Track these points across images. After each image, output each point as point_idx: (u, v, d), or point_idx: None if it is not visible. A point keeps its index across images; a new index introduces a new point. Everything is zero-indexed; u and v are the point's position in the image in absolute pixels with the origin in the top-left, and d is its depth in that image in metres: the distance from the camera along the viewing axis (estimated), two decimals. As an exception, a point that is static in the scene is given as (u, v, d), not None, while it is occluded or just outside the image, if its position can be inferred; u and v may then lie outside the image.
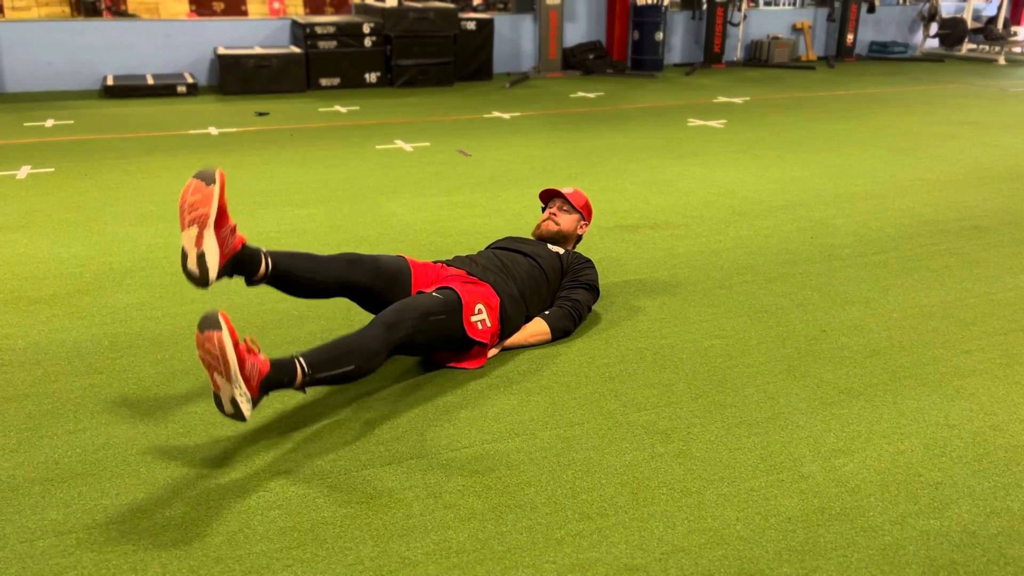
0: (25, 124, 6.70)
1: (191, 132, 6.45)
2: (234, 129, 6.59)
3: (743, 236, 3.95)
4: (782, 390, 2.49)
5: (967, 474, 2.07)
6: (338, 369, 2.22)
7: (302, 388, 2.18)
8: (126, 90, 8.12)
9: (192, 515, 1.90)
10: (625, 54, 10.82)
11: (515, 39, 10.41)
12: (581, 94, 8.68)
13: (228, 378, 1.97)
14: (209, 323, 1.97)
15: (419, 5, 9.01)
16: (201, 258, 2.16)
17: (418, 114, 7.39)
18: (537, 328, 2.77)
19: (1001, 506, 1.95)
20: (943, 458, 2.14)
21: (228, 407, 2.01)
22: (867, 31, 12.59)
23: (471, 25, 9.37)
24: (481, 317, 2.56)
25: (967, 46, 12.71)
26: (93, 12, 10.25)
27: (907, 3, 12.99)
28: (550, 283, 2.88)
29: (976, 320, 3.00)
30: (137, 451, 2.15)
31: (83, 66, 8.63)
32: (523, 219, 4.19)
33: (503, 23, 10.26)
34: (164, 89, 8.24)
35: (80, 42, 8.59)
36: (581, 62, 10.37)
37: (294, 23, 9.08)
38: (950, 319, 3.00)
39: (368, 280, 2.56)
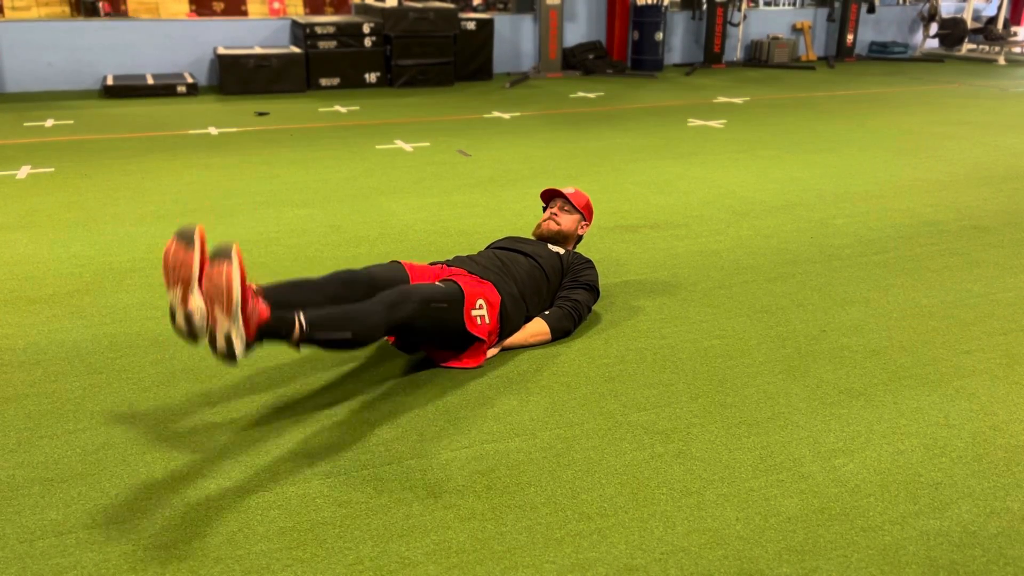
0: (25, 124, 6.70)
1: (191, 132, 6.45)
2: (234, 129, 6.59)
3: (743, 236, 3.95)
4: (782, 390, 2.49)
5: (967, 474, 2.07)
6: (335, 333, 2.21)
7: (297, 344, 2.17)
8: (126, 90, 8.12)
9: (192, 515, 1.90)
10: (625, 54, 10.82)
11: (515, 39, 10.41)
12: (581, 94, 8.68)
13: (228, 312, 1.96)
14: (222, 254, 1.98)
15: (419, 5, 9.01)
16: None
17: (418, 114, 7.39)
18: (537, 328, 2.77)
19: (1001, 506, 1.95)
20: (943, 458, 2.14)
21: (221, 343, 2.00)
22: (867, 31, 12.60)
23: (471, 25, 9.37)
24: (481, 312, 2.56)
25: (967, 46, 12.72)
26: (93, 12, 10.25)
27: (907, 3, 12.99)
28: (550, 283, 2.88)
29: (976, 320, 3.00)
30: (137, 451, 2.15)
31: (83, 66, 8.63)
32: (523, 219, 4.19)
33: (503, 23, 10.26)
34: (164, 89, 8.24)
35: (80, 42, 8.59)
36: (581, 62, 10.38)
37: (294, 23, 9.08)
38: (950, 319, 3.00)
39: (364, 297, 2.54)
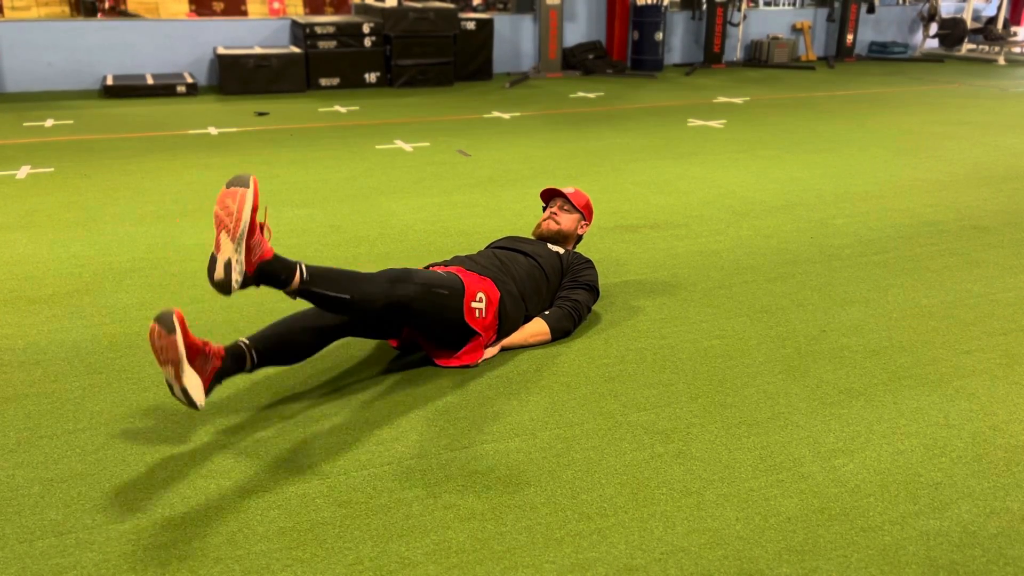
0: (25, 124, 6.70)
1: (191, 132, 6.45)
2: (234, 129, 6.59)
3: (743, 236, 3.95)
4: (782, 390, 2.49)
5: (967, 474, 2.07)
6: (333, 291, 2.22)
7: (294, 293, 2.18)
8: (126, 90, 8.12)
9: (192, 515, 1.90)
10: (625, 54, 10.82)
11: (515, 39, 10.41)
12: (581, 94, 8.68)
13: (233, 237, 1.96)
14: (240, 181, 1.98)
15: (419, 5, 9.00)
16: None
17: (418, 114, 7.39)
18: (537, 328, 2.77)
19: (1001, 506, 1.95)
20: (943, 458, 2.14)
21: (220, 270, 1.99)
22: (867, 31, 12.60)
23: (471, 25, 9.37)
24: (480, 306, 2.56)
25: (967, 46, 12.72)
26: (93, 12, 10.24)
27: (907, 3, 12.99)
28: (550, 283, 2.88)
29: (976, 320, 3.00)
30: (136, 451, 2.15)
31: (83, 66, 8.63)
32: (523, 219, 4.19)
33: (503, 23, 10.26)
34: (164, 89, 8.24)
35: (80, 42, 8.59)
36: (581, 62, 10.37)
37: (294, 23, 9.08)
38: (950, 319, 3.00)
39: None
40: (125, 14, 10.84)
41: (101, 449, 2.16)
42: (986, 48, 12.66)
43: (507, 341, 2.72)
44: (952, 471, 2.08)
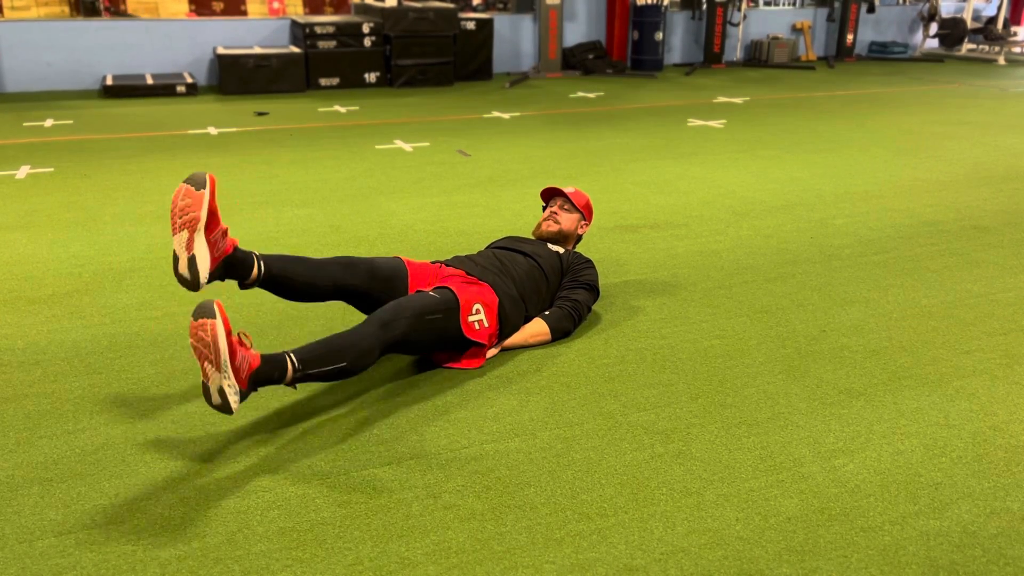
0: (25, 124, 6.70)
1: (190, 132, 6.45)
2: (233, 129, 6.59)
3: (743, 236, 3.95)
4: (782, 390, 2.49)
5: (967, 474, 2.07)
6: (329, 366, 2.22)
7: (292, 384, 2.18)
8: (125, 90, 8.11)
9: (192, 515, 1.90)
10: (625, 54, 10.82)
11: (515, 39, 10.41)
12: (581, 94, 8.68)
13: (218, 367, 1.98)
14: (204, 311, 1.99)
15: (419, 5, 9.00)
16: (192, 261, 2.17)
17: (418, 114, 7.39)
18: (537, 328, 2.76)
19: (1001, 506, 1.95)
20: (943, 458, 2.14)
21: (216, 397, 2.01)
22: (867, 31, 12.60)
23: (471, 25, 9.37)
24: (479, 317, 2.56)
25: (967, 46, 12.72)
26: (93, 12, 10.24)
27: (907, 3, 12.99)
28: (550, 283, 2.87)
29: (976, 320, 3.00)
30: (136, 451, 2.15)
31: (83, 66, 8.63)
32: (523, 219, 4.19)
33: (503, 23, 10.25)
34: (163, 89, 8.24)
35: (80, 42, 8.59)
36: (581, 62, 10.37)
37: (293, 23, 9.08)
38: (950, 319, 3.00)
39: (363, 283, 2.56)
40: (125, 14, 10.84)
41: (101, 449, 2.16)
42: (986, 48, 12.66)
43: (507, 341, 2.72)
44: (952, 471, 2.08)
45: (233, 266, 2.33)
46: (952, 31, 12.47)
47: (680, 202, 4.54)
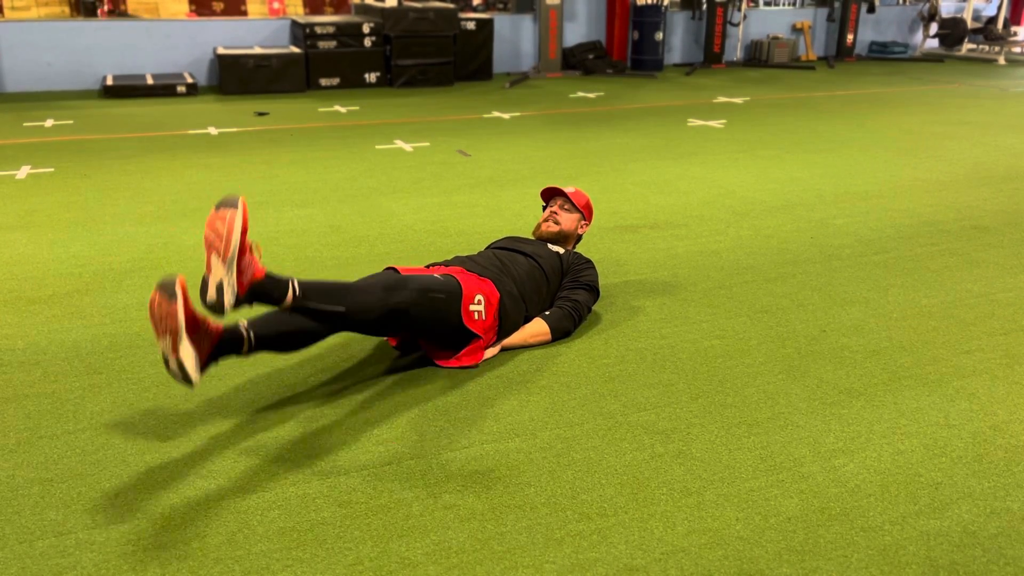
0: (25, 124, 6.70)
1: (191, 132, 6.45)
2: (234, 129, 6.59)
3: (743, 236, 3.95)
4: (782, 390, 2.49)
5: (967, 474, 2.07)
6: (328, 305, 2.20)
7: (288, 310, 2.17)
8: (126, 90, 8.11)
9: (192, 515, 1.90)
10: (625, 54, 10.82)
11: (515, 39, 10.41)
12: (581, 94, 8.68)
13: (224, 259, 1.96)
14: (228, 203, 1.98)
15: (419, 5, 9.00)
16: (180, 364, 2.10)
17: (418, 114, 7.39)
18: (537, 328, 2.76)
19: (1001, 506, 1.95)
20: (943, 458, 2.14)
21: (212, 292, 1.99)
22: (867, 31, 12.59)
23: (471, 25, 9.37)
24: (479, 308, 2.56)
25: (967, 46, 12.71)
26: (93, 12, 10.24)
27: (907, 3, 12.99)
28: (550, 283, 2.88)
29: (976, 320, 3.00)
30: (136, 451, 2.15)
31: (83, 66, 8.63)
32: (523, 219, 4.19)
33: (503, 23, 10.25)
34: (164, 89, 8.24)
35: (80, 42, 8.59)
36: (581, 62, 10.37)
37: (294, 23, 9.08)
38: (950, 319, 3.00)
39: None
40: (125, 14, 10.84)
41: (101, 449, 2.16)
42: (986, 48, 12.66)
43: (507, 341, 2.72)
44: (952, 471, 2.08)
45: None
46: (952, 31, 12.47)
47: (680, 202, 4.54)
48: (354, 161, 5.50)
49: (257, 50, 8.56)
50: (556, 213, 3.11)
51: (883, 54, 12.50)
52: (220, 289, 1.98)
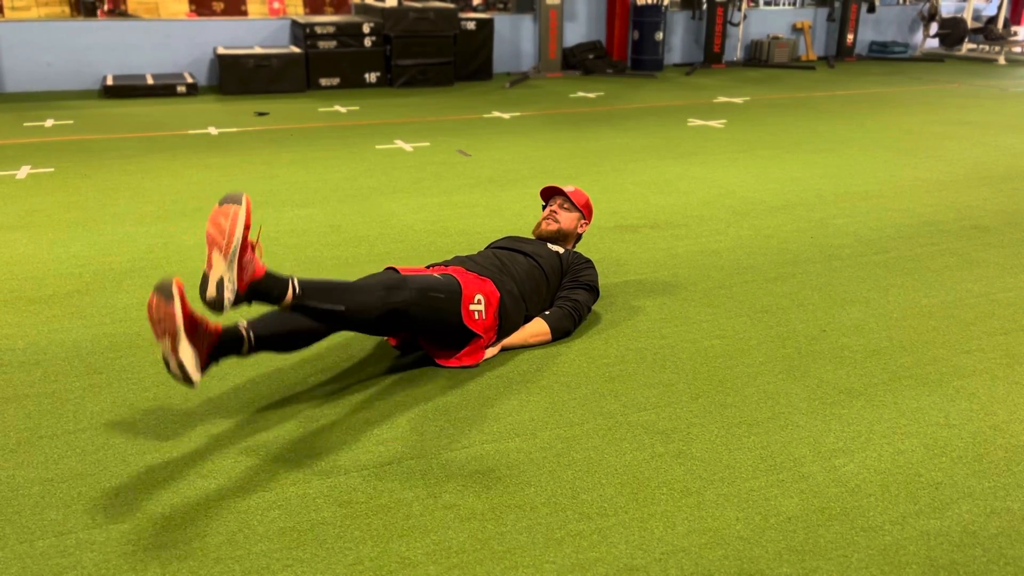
0: (25, 124, 6.70)
1: (191, 132, 6.45)
2: (234, 129, 6.59)
3: (743, 236, 3.95)
4: (782, 390, 2.49)
5: (967, 474, 2.07)
6: (328, 304, 2.20)
7: (288, 308, 2.17)
8: (126, 90, 8.12)
9: (192, 515, 1.90)
10: (625, 54, 10.82)
11: (515, 39, 10.41)
12: (581, 94, 8.68)
13: (225, 256, 1.96)
14: (232, 199, 1.98)
15: (419, 5, 9.00)
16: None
17: (418, 114, 7.39)
18: (537, 328, 2.77)
19: (1001, 506, 1.95)
20: (943, 458, 2.14)
21: (212, 289, 1.99)
22: (867, 31, 12.59)
23: (471, 25, 9.37)
24: (479, 307, 2.56)
25: (967, 46, 12.71)
26: (93, 12, 10.24)
27: (907, 3, 12.99)
28: (550, 283, 2.88)
29: (976, 320, 3.00)
30: (136, 451, 2.15)
31: (83, 66, 8.63)
32: (523, 219, 4.19)
33: (503, 23, 10.25)
34: (164, 89, 8.24)
35: (80, 42, 8.59)
36: (581, 62, 10.37)
37: (294, 23, 9.08)
38: (950, 319, 3.00)
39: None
40: (125, 14, 10.84)
41: (101, 449, 2.16)
42: (986, 48, 12.66)
43: (507, 341, 2.72)
44: (952, 471, 2.08)
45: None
46: (952, 31, 12.47)
47: (680, 202, 4.54)
48: (354, 161, 5.50)
49: (257, 50, 8.56)
50: (555, 212, 3.11)
51: (883, 54, 12.50)
52: (220, 286, 1.98)
